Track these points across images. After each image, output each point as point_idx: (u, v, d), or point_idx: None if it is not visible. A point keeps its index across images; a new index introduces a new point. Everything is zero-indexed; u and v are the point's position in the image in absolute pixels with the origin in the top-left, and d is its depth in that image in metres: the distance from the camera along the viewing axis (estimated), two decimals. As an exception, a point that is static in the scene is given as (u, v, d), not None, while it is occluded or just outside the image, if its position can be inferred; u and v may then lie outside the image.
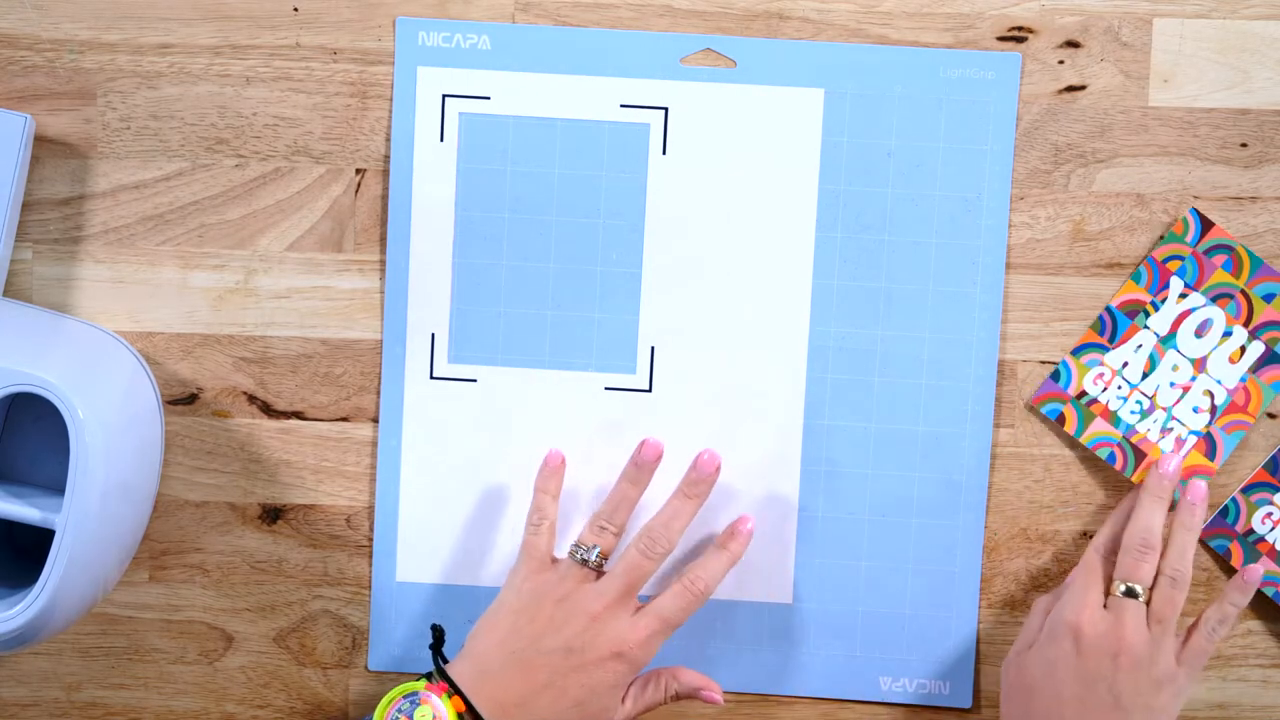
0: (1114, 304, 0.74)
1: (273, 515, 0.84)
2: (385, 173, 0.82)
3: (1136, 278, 0.74)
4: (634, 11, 0.81)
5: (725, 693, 0.83)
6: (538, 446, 0.81)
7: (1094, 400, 0.75)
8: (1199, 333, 0.73)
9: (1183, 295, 0.73)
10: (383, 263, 0.83)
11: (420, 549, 0.83)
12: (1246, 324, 0.73)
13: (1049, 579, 0.83)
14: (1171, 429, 0.74)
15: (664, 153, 0.82)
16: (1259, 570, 0.73)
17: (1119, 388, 0.74)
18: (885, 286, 0.82)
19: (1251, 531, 0.74)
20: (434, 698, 0.73)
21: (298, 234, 0.82)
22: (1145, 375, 0.74)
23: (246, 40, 0.81)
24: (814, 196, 0.82)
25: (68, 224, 0.82)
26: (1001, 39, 0.81)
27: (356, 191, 0.82)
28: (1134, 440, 0.74)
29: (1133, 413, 0.74)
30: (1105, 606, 0.74)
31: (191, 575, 0.84)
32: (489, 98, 0.81)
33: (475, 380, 0.83)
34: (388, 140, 0.82)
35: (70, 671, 0.85)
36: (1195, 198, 0.82)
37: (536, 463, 0.80)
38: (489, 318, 0.82)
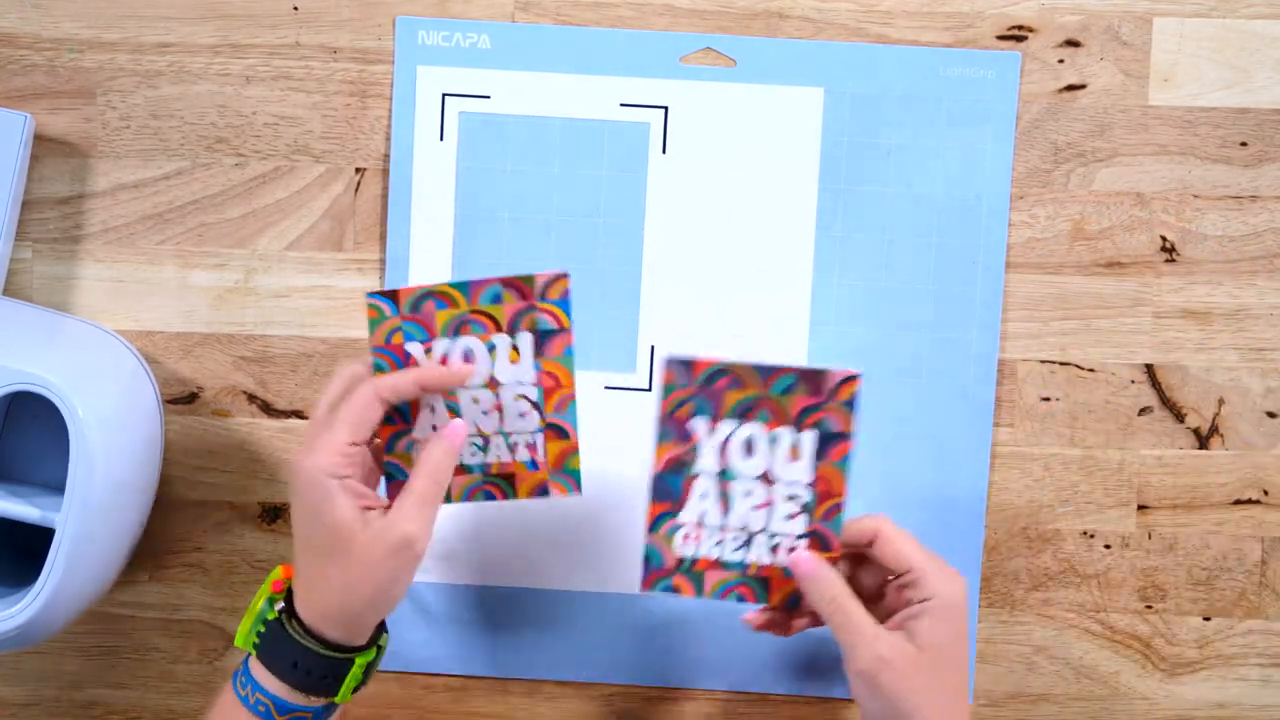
0: (657, 470, 0.71)
1: (272, 514, 0.84)
2: (385, 172, 0.82)
3: (663, 438, 0.71)
4: (634, 10, 0.81)
5: (726, 692, 0.83)
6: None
7: (695, 560, 0.73)
8: (748, 452, 0.71)
9: (711, 430, 0.71)
10: (383, 262, 0.83)
11: (420, 548, 0.83)
12: (786, 422, 0.71)
13: (1049, 579, 0.83)
14: (780, 544, 0.72)
15: (664, 152, 0.82)
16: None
17: (710, 536, 0.72)
18: (885, 286, 0.82)
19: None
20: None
21: (297, 233, 0.82)
22: (726, 514, 0.72)
23: (246, 39, 0.81)
24: (814, 196, 0.82)
25: (67, 223, 0.82)
26: (1001, 38, 0.81)
27: (356, 190, 0.82)
28: (752, 573, 0.72)
29: (735, 550, 0.72)
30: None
31: (191, 575, 0.84)
32: (489, 97, 0.81)
33: (475, 379, 0.83)
34: (387, 139, 0.82)
35: (70, 671, 0.85)
36: (1195, 196, 0.82)
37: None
38: (489, 317, 0.82)
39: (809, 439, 0.71)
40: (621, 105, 0.81)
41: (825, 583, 0.70)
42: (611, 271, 0.82)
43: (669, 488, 0.72)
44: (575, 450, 0.72)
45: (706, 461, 0.71)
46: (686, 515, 0.72)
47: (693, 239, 0.82)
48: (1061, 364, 0.83)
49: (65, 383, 0.72)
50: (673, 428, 0.71)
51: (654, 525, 0.72)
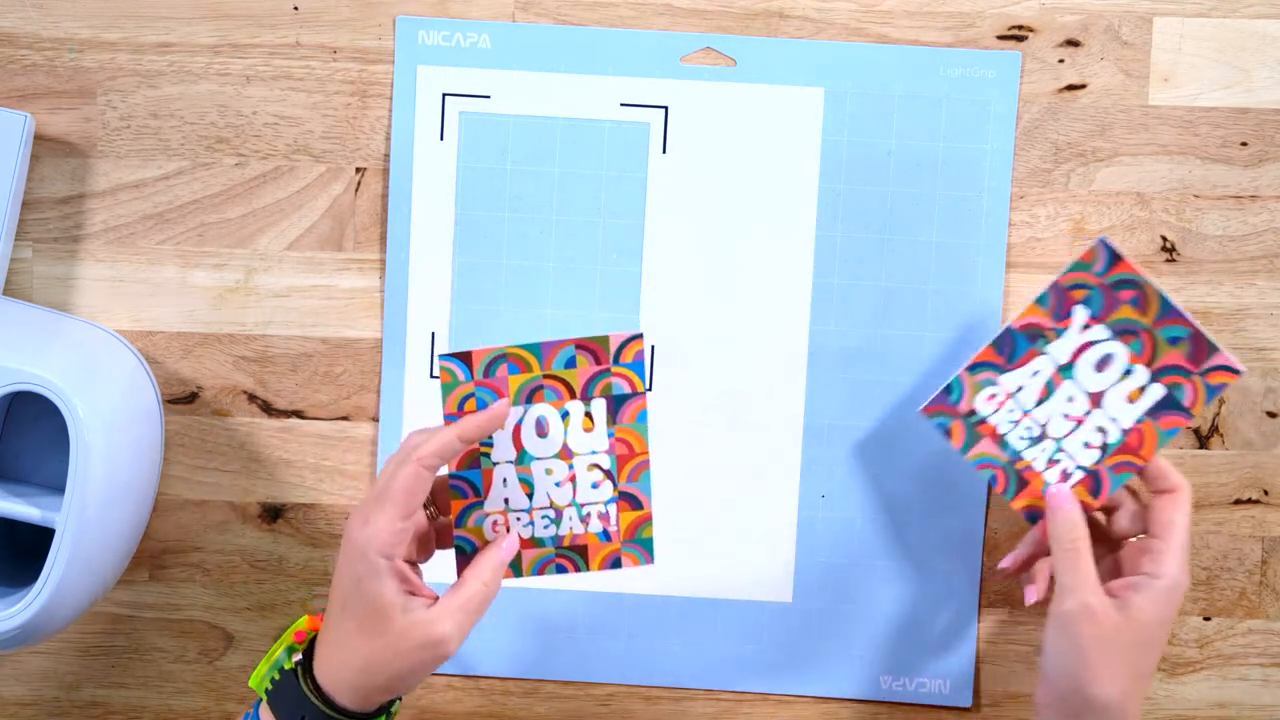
0: (1015, 325, 0.72)
1: (273, 514, 0.84)
2: (385, 171, 0.82)
3: (1041, 301, 0.71)
4: (634, 10, 0.81)
5: (726, 692, 0.83)
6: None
7: (983, 420, 0.73)
8: (1100, 367, 0.71)
9: (1086, 326, 0.71)
10: (383, 262, 0.83)
11: (420, 548, 0.83)
12: (1149, 364, 0.70)
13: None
14: (1059, 461, 0.72)
15: (664, 152, 0.82)
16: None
17: (1010, 411, 0.72)
18: (885, 286, 0.82)
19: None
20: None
21: (298, 233, 0.82)
22: (1039, 402, 0.72)
23: (246, 39, 0.81)
24: (814, 196, 0.82)
25: (68, 223, 0.82)
26: (1002, 38, 0.81)
27: (356, 190, 0.82)
28: (1019, 467, 0.73)
29: (1021, 439, 0.72)
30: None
31: (191, 574, 0.84)
32: (489, 97, 0.81)
33: (475, 379, 0.83)
34: (388, 139, 0.82)
35: (70, 671, 0.85)
36: (1195, 196, 0.82)
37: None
38: (489, 317, 0.82)
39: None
40: (621, 105, 0.81)
41: (1070, 522, 0.71)
42: (611, 271, 0.82)
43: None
44: (649, 519, 0.72)
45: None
46: (1008, 379, 0.73)
47: (693, 239, 0.82)
48: (1062, 364, 0.83)
49: (65, 383, 0.72)
50: (1058, 300, 0.71)
51: (975, 366, 0.73)
